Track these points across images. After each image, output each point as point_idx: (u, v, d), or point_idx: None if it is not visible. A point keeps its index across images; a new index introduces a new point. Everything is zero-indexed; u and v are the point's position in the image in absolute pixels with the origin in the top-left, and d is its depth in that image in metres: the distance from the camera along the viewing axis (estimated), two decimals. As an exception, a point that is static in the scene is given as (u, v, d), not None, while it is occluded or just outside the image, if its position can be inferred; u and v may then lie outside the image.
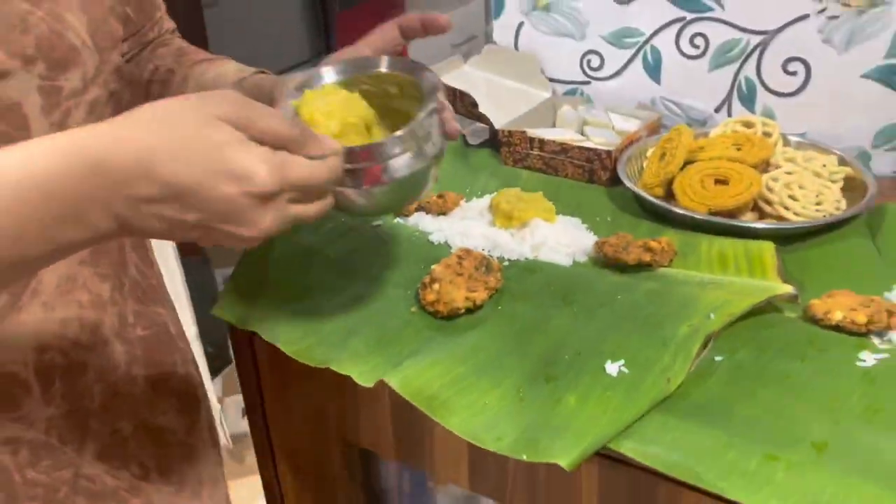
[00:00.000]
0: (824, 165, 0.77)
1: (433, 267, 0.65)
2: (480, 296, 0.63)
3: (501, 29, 1.03)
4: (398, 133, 0.51)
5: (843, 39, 0.81)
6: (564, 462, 0.48)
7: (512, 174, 0.89)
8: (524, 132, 0.89)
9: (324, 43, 2.64)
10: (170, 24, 0.74)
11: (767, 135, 0.84)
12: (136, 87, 0.71)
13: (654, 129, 0.92)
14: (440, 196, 0.78)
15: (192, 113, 0.42)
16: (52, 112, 0.52)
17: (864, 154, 0.84)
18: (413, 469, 0.84)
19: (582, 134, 0.91)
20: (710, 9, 0.87)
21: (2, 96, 0.49)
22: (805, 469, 0.46)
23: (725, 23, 0.87)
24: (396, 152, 0.51)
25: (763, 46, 0.85)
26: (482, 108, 0.94)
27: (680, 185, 0.75)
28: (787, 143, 0.84)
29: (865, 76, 0.81)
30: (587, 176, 0.86)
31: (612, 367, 0.54)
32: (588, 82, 1.00)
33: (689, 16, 0.88)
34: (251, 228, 0.44)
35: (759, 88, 0.88)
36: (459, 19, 1.07)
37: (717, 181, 0.74)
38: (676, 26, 0.90)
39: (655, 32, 0.91)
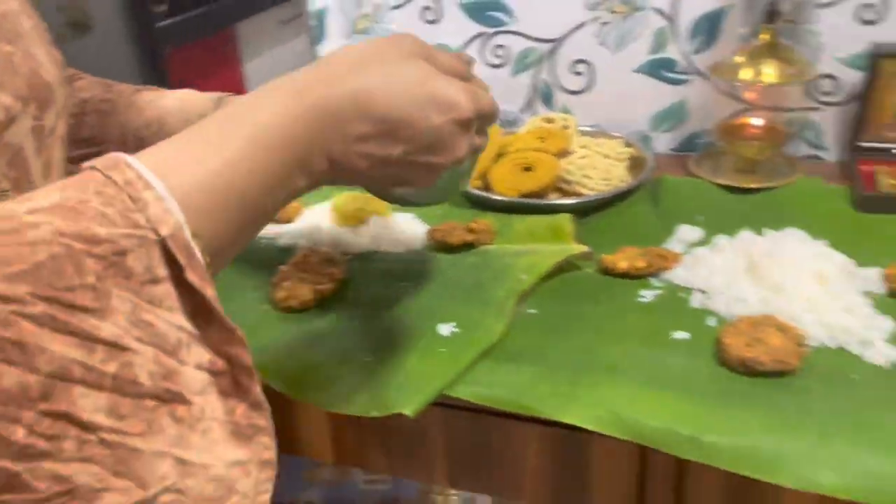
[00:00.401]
0: (612, 148, 0.91)
1: (280, 267, 0.71)
2: (327, 287, 0.70)
3: (325, 52, 1.11)
4: None
5: (614, 41, 0.96)
6: (408, 410, 0.56)
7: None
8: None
9: (156, 82, 2.60)
10: None
11: (566, 127, 0.97)
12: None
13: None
14: (283, 206, 0.85)
15: (391, 51, 0.44)
16: (41, 153, 0.50)
17: (645, 137, 0.99)
18: (281, 454, 0.89)
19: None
20: (505, 23, 0.99)
21: (11, 142, 0.45)
22: (601, 386, 0.57)
23: (520, 34, 0.99)
24: None
25: (553, 52, 0.99)
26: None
27: (494, 176, 0.86)
28: (583, 133, 0.98)
29: (637, 71, 0.96)
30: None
31: (445, 329, 0.63)
32: (411, 95, 1.10)
33: (489, 30, 1.01)
34: (448, 154, 0.46)
35: (555, 89, 1.01)
36: (290, 52, 1.14)
37: (525, 169, 0.86)
38: (480, 40, 1.02)
39: (464, 46, 1.03)
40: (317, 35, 1.10)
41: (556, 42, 0.98)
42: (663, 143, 0.99)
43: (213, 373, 0.34)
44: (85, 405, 0.29)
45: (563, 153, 0.91)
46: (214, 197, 0.36)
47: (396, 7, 1.04)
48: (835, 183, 0.84)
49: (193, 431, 0.33)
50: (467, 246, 0.76)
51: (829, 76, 0.88)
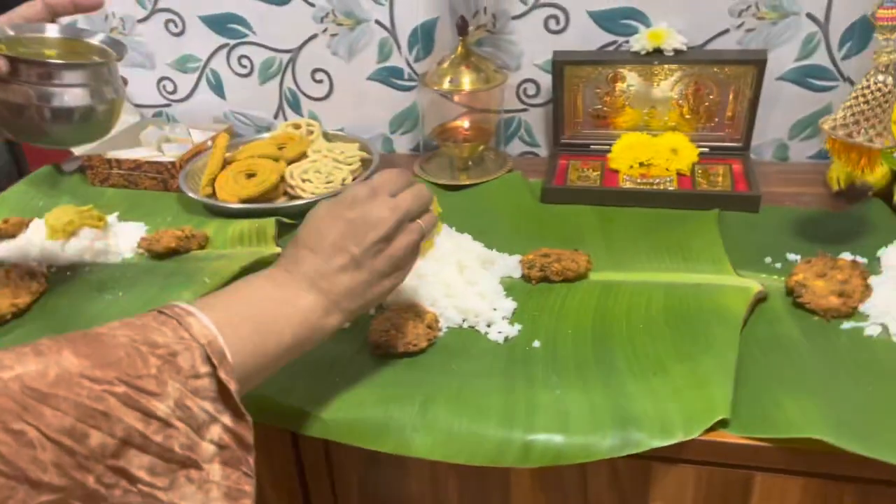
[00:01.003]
0: (342, 152, 0.98)
1: (-22, 284, 0.74)
2: (24, 300, 0.73)
3: (82, 64, 1.12)
4: (80, 63, 0.63)
5: (346, 51, 1.02)
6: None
7: (97, 193, 1.00)
8: (101, 155, 1.00)
9: None
10: None
11: (311, 132, 1.03)
12: None
13: (230, 134, 1.08)
14: (4, 221, 0.86)
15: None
16: None
17: (387, 139, 1.07)
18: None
19: (159, 150, 1.04)
20: (245, 34, 1.04)
21: None
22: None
23: (261, 45, 1.04)
24: (75, 81, 0.62)
25: (292, 62, 1.05)
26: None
27: (219, 183, 0.91)
28: (328, 137, 1.04)
29: (370, 78, 1.03)
30: (163, 185, 0.99)
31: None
32: (168, 104, 1.13)
33: (231, 41, 1.05)
34: (384, 212, 0.56)
35: (301, 96, 1.07)
36: None
37: (248, 175, 0.91)
38: (224, 50, 1.06)
39: (210, 57, 1.07)
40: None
41: (294, 52, 1.04)
42: (403, 144, 1.07)
43: (221, 447, 0.44)
44: (135, 463, 0.40)
45: (300, 158, 0.97)
46: (241, 330, 0.48)
47: (141, 21, 1.06)
48: (539, 177, 0.94)
49: (200, 490, 0.43)
50: (176, 252, 0.80)
51: (532, 80, 0.98)
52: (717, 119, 0.93)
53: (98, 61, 0.65)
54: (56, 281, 0.77)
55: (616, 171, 0.91)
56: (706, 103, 0.92)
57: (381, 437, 0.58)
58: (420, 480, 0.64)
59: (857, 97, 0.66)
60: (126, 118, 1.12)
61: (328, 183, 0.92)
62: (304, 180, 0.91)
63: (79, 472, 0.38)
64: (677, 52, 0.88)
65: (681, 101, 0.93)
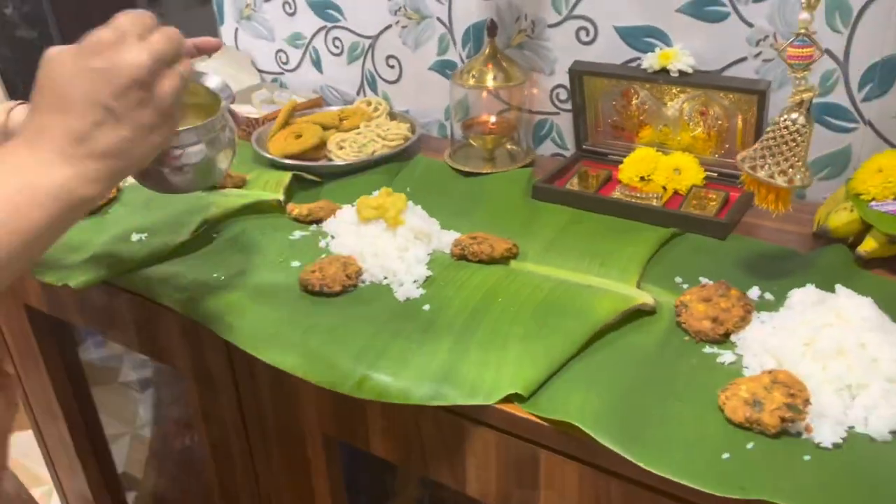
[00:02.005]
0: (388, 129, 1.11)
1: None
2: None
3: (226, 32, 1.37)
4: (197, 125, 0.63)
5: (413, 42, 1.15)
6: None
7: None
8: (211, 106, 1.23)
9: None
10: None
11: (376, 110, 1.18)
12: None
13: (317, 104, 1.26)
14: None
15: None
16: None
17: (441, 124, 1.18)
18: None
19: (258, 108, 1.25)
20: (339, 19, 1.21)
21: None
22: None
23: (349, 30, 1.21)
24: (193, 140, 0.63)
25: (372, 47, 1.20)
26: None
27: (275, 139, 1.09)
28: (393, 116, 1.18)
29: (430, 69, 1.15)
30: (248, 136, 1.19)
31: (136, 237, 0.88)
32: (282, 73, 1.34)
33: (329, 24, 1.23)
34: (133, 54, 0.51)
35: (377, 77, 1.22)
36: (198, 23, 1.42)
37: (297, 136, 1.08)
38: (323, 32, 1.24)
39: (313, 36, 1.26)
40: (219, 17, 1.36)
41: (373, 38, 1.19)
42: (457, 131, 1.17)
43: None
44: None
45: (354, 129, 1.13)
46: None
47: (267, 1, 1.28)
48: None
49: None
50: (213, 187, 1.00)
51: (564, 86, 1.04)
52: (727, 145, 0.93)
53: (213, 119, 0.65)
54: (127, 193, 1.00)
55: (619, 182, 0.95)
56: (714, 128, 0.92)
57: (267, 348, 0.71)
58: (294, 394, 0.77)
59: (770, 133, 0.66)
60: (248, 79, 1.35)
61: (359, 152, 1.06)
62: (339, 147, 1.06)
63: None
64: (682, 73, 0.89)
65: (691, 123, 0.94)
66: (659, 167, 0.94)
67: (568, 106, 1.05)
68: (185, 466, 1.32)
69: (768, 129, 0.67)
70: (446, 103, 1.16)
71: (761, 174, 0.66)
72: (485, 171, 1.03)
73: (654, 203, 0.90)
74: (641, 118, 0.98)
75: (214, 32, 1.38)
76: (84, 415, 1.17)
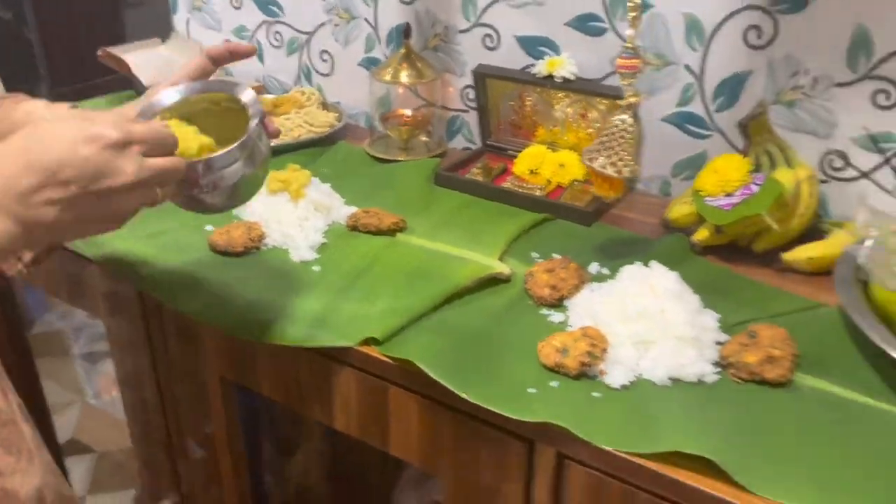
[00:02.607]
0: (315, 117, 1.22)
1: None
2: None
3: (178, 21, 1.47)
4: (230, 148, 0.62)
5: (343, 39, 1.26)
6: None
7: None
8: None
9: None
10: None
11: (308, 99, 1.29)
12: None
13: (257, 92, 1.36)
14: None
15: (47, 113, 0.57)
16: None
17: (368, 116, 1.30)
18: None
19: (201, 93, 1.35)
20: (279, 15, 1.32)
21: None
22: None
23: (288, 25, 1.32)
24: (230, 161, 0.62)
25: (308, 42, 1.31)
26: (148, 74, 1.38)
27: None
28: (326, 106, 1.29)
29: (359, 65, 1.26)
30: (191, 119, 1.30)
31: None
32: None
33: (270, 19, 1.33)
34: (118, 177, 0.51)
35: (313, 70, 1.33)
36: (152, 11, 1.53)
37: (229, 118, 1.19)
38: (265, 25, 1.35)
39: (256, 29, 1.36)
40: (173, 7, 1.47)
41: (309, 34, 1.30)
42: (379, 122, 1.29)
43: None
44: None
45: (286, 115, 1.24)
46: None
47: (215, -6, 1.39)
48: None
49: None
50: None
51: (471, 86, 1.16)
52: (606, 146, 1.05)
53: (249, 137, 0.64)
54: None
55: (512, 174, 1.07)
56: (593, 130, 1.04)
57: (175, 297, 0.82)
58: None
59: (605, 131, 0.78)
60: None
61: (284, 135, 1.17)
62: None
63: None
64: (566, 80, 1.01)
65: (575, 125, 1.06)
66: (546, 162, 1.05)
67: (475, 104, 1.17)
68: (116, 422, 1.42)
69: (605, 128, 0.79)
70: (368, 96, 1.27)
71: (595, 165, 0.78)
72: (399, 159, 1.15)
73: (537, 193, 1.02)
74: (534, 118, 1.09)
75: (168, 21, 1.48)
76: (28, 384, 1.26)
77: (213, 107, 0.68)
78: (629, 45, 0.74)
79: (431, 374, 0.67)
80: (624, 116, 0.77)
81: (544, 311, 0.78)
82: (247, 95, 0.66)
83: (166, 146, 0.56)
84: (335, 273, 0.84)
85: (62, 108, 0.64)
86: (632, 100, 0.76)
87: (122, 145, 0.52)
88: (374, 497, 1.12)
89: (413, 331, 0.74)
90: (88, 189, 0.51)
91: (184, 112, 0.66)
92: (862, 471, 0.58)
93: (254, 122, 0.64)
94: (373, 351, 0.72)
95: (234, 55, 0.72)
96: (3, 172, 0.49)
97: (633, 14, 0.73)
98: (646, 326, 0.71)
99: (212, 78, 0.72)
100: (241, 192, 0.66)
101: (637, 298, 0.73)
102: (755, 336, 0.69)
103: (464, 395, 0.66)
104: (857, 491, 0.56)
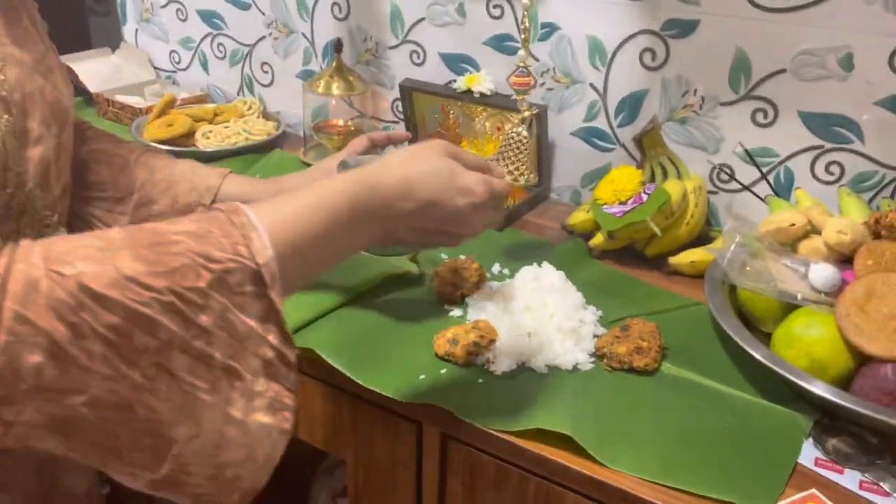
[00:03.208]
0: (252, 125, 1.28)
1: None
2: None
3: (128, 31, 1.52)
4: None
5: (283, 52, 1.32)
6: None
7: (96, 121, 1.37)
8: (101, 94, 1.38)
9: None
10: None
11: (249, 109, 1.35)
12: None
13: (201, 100, 1.42)
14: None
15: (427, 154, 0.61)
16: (58, 163, 0.59)
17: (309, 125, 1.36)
18: None
19: (145, 100, 1.41)
20: (222, 27, 1.38)
21: (44, 156, 0.57)
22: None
23: (231, 37, 1.38)
24: None
25: (250, 54, 1.37)
26: (96, 82, 1.43)
27: (150, 126, 1.25)
28: (266, 115, 1.35)
29: (297, 76, 1.33)
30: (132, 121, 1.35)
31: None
32: (175, 72, 1.50)
33: (214, 31, 1.39)
34: (466, 229, 0.62)
35: (254, 81, 1.39)
36: (103, 22, 1.58)
37: (168, 124, 1.24)
38: (210, 38, 1.40)
39: (201, 41, 1.42)
40: (122, 18, 1.52)
41: (251, 46, 1.36)
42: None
43: (266, 362, 0.47)
44: (176, 363, 0.44)
45: (226, 122, 1.29)
46: (296, 246, 0.50)
47: (163, 7, 1.44)
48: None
49: (242, 397, 0.46)
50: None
51: (399, 99, 1.23)
52: (521, 157, 1.12)
53: None
54: None
55: (436, 182, 1.14)
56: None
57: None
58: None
59: (504, 142, 0.86)
60: (145, 75, 1.50)
61: (222, 142, 1.23)
62: (206, 137, 1.23)
63: (124, 364, 0.42)
64: (483, 95, 1.09)
65: (493, 137, 1.13)
66: (467, 171, 1.12)
67: (402, 118, 1.24)
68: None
69: (503, 140, 0.86)
70: (310, 106, 1.34)
71: (494, 173, 0.85)
72: (333, 167, 1.21)
73: (456, 200, 1.09)
74: (458, 131, 1.17)
75: (118, 31, 1.53)
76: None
77: None
78: (521, 63, 0.82)
79: (330, 362, 0.73)
80: (519, 129, 0.84)
81: (446, 307, 0.84)
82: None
83: (506, 198, 0.68)
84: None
85: (440, 142, 0.67)
86: (525, 114, 0.84)
87: (482, 206, 0.62)
88: (293, 489, 1.17)
89: (321, 323, 0.80)
90: (442, 229, 0.61)
91: None
92: (704, 448, 0.66)
93: None
94: (281, 341, 0.78)
95: (391, 140, 0.91)
96: (387, 192, 0.57)
97: (524, 36, 0.81)
98: (530, 318, 0.78)
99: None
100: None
101: (526, 294, 0.80)
102: (627, 329, 0.76)
103: (358, 381, 0.72)
104: (696, 466, 0.64)
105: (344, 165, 0.79)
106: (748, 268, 0.74)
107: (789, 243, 0.77)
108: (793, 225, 0.75)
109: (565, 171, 1.12)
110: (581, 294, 0.82)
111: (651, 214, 0.89)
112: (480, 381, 0.73)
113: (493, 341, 0.75)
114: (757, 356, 0.70)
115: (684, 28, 0.96)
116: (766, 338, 0.76)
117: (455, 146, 0.64)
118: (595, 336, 0.78)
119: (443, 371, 0.74)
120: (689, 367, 0.76)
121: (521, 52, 0.81)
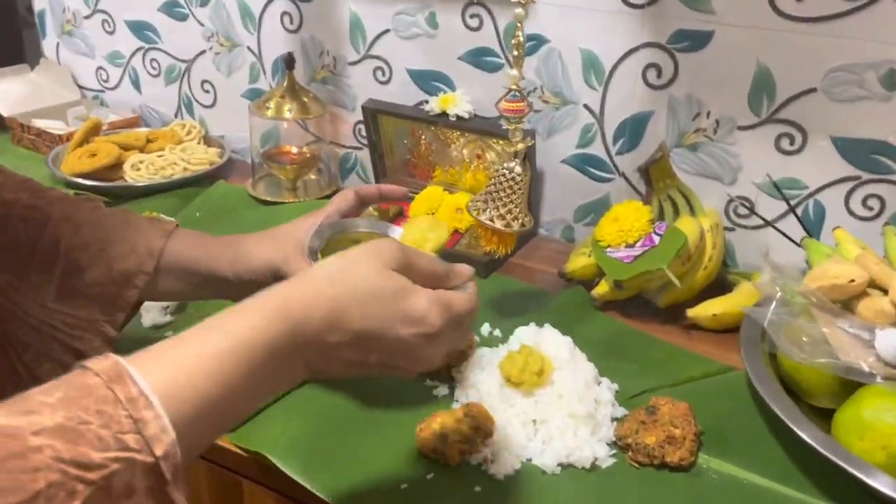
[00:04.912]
0: (192, 153, 1.11)
1: None
2: None
3: (48, 46, 1.34)
4: None
5: (226, 69, 1.16)
6: None
7: (9, 150, 1.20)
8: (16, 119, 1.19)
9: None
10: None
11: (189, 133, 1.18)
12: None
13: (133, 124, 1.24)
14: None
15: (366, 268, 0.48)
16: None
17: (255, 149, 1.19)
18: None
19: (68, 125, 1.22)
20: (155, 41, 1.21)
21: None
22: None
23: (166, 52, 1.20)
24: None
25: (188, 71, 1.20)
26: (12, 103, 1.24)
27: (69, 157, 1.07)
28: (208, 140, 1.18)
29: (243, 96, 1.16)
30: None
31: None
32: (103, 91, 1.32)
33: (146, 45, 1.22)
34: (418, 364, 0.49)
35: (194, 101, 1.22)
36: (20, 35, 1.40)
37: (91, 154, 1.06)
38: (141, 52, 1.23)
39: (132, 56, 1.24)
40: (42, 30, 1.33)
41: (189, 62, 1.19)
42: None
43: None
44: None
45: (160, 149, 1.12)
46: (204, 414, 0.38)
47: (87, 17, 1.26)
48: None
49: None
50: None
51: (362, 122, 1.07)
52: (505, 188, 0.98)
53: None
54: None
55: (407, 217, 0.98)
56: (491, 171, 0.97)
57: None
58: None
59: (492, 180, 0.71)
60: (68, 94, 1.32)
61: (154, 174, 1.05)
62: (135, 168, 1.05)
63: None
64: (459, 118, 0.94)
65: (472, 166, 0.98)
66: (444, 205, 0.97)
67: (367, 143, 1.08)
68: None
69: (491, 177, 0.71)
70: (257, 131, 1.17)
71: (483, 217, 0.70)
72: (286, 201, 1.05)
73: (432, 239, 0.93)
74: (430, 158, 1.02)
75: (37, 45, 1.35)
76: None
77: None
78: (514, 86, 0.67)
79: (286, 471, 0.57)
80: (512, 164, 0.70)
81: (428, 382, 0.69)
82: (395, 235, 0.64)
83: (472, 317, 0.52)
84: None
85: (387, 245, 0.52)
86: (519, 146, 0.69)
87: (438, 335, 0.48)
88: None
89: (271, 411, 0.64)
90: (389, 363, 0.49)
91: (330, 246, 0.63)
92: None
93: None
94: (223, 440, 0.62)
95: (385, 196, 0.71)
96: (314, 325, 0.45)
97: (517, 53, 0.66)
98: (533, 401, 0.63)
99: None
100: None
101: (525, 368, 0.65)
102: (654, 412, 0.62)
103: (320, 494, 0.56)
104: None
105: (319, 236, 0.62)
106: (804, 337, 0.60)
107: (844, 300, 0.64)
108: (852, 281, 0.62)
109: (555, 203, 0.97)
110: (593, 365, 0.67)
111: (668, 262, 0.75)
112: (478, 488, 0.57)
113: (490, 434, 0.60)
114: (821, 450, 0.56)
115: (696, 40, 0.82)
116: (817, 414, 0.63)
117: (407, 249, 0.51)
118: (614, 419, 0.64)
119: (430, 476, 0.58)
120: (731, 458, 0.61)
121: (514, 73, 0.66)
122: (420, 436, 0.61)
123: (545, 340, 0.68)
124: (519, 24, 0.65)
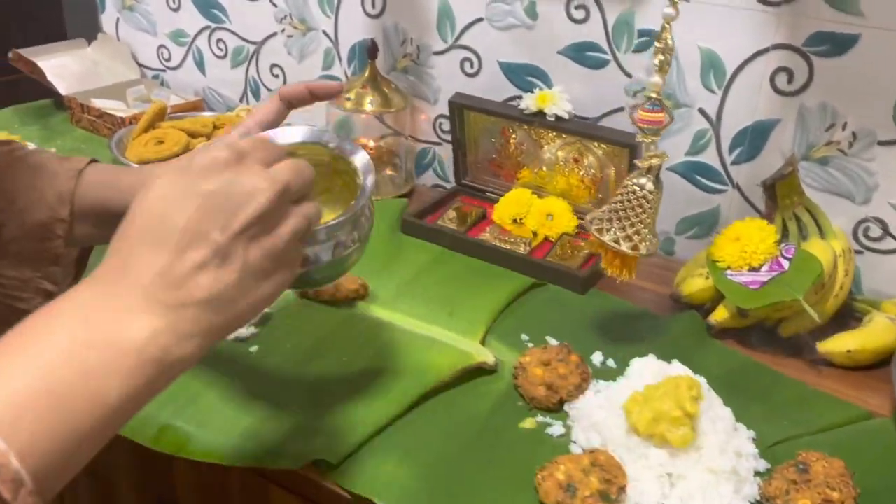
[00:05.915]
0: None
1: None
2: None
3: (107, 21, 1.28)
4: (332, 222, 0.48)
5: (298, 53, 1.09)
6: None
7: (68, 129, 1.15)
8: (76, 98, 1.14)
9: None
10: None
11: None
12: None
13: (196, 107, 1.18)
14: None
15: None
16: None
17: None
18: None
19: (129, 106, 1.17)
20: (223, 20, 1.14)
21: None
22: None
23: (234, 33, 1.14)
24: (325, 238, 0.49)
25: (257, 53, 1.13)
26: (67, 82, 1.19)
27: (134, 144, 1.01)
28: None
29: (314, 83, 1.09)
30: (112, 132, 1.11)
31: None
32: (164, 70, 1.26)
33: (213, 24, 1.16)
34: (256, 194, 0.39)
35: (261, 85, 1.16)
36: (76, 8, 1.33)
37: (158, 142, 1.01)
38: (207, 32, 1.17)
39: (196, 35, 1.18)
40: (100, 4, 1.27)
41: (258, 45, 1.12)
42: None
43: None
44: None
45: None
46: (39, 417, 0.33)
47: (150, -8, 1.20)
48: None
49: None
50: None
51: (445, 116, 1.00)
52: (600, 195, 0.91)
53: (360, 205, 0.50)
54: None
55: (492, 221, 0.92)
56: (588, 176, 0.90)
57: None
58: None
59: (618, 196, 0.64)
60: (127, 73, 1.26)
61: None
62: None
63: None
64: (559, 118, 0.87)
65: (566, 169, 0.91)
66: (532, 211, 0.90)
67: (450, 137, 1.01)
68: None
69: (618, 192, 0.64)
70: (323, 120, 1.11)
71: (607, 238, 0.63)
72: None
73: (522, 249, 0.87)
74: (519, 158, 0.94)
75: (95, 19, 1.29)
76: None
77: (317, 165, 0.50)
78: (654, 94, 0.60)
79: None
80: (643, 180, 0.62)
81: (540, 417, 0.63)
82: (360, 159, 0.53)
83: (279, 153, 0.43)
84: (276, 358, 0.68)
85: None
86: (653, 161, 0.62)
87: (237, 159, 0.40)
88: None
89: (375, 447, 0.58)
90: (231, 228, 0.38)
91: None
92: None
93: (368, 190, 0.51)
94: (324, 478, 0.56)
95: (316, 96, 0.58)
96: (132, 265, 0.37)
97: (662, 58, 0.59)
98: (669, 452, 0.56)
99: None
100: (345, 266, 0.52)
101: (655, 410, 0.59)
102: (806, 470, 0.55)
103: (441, 554, 0.50)
104: None
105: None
106: None
107: None
108: None
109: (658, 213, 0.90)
110: (730, 410, 0.60)
111: (804, 292, 0.68)
112: (613, 552, 0.52)
113: (622, 489, 0.54)
114: None
115: (838, 44, 0.74)
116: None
117: (232, 153, 0.40)
118: (756, 474, 0.57)
119: (558, 535, 0.52)
120: (893, 525, 0.55)
121: (656, 79, 0.59)
122: (542, 486, 0.55)
123: (670, 376, 0.62)
124: (667, 26, 0.57)
